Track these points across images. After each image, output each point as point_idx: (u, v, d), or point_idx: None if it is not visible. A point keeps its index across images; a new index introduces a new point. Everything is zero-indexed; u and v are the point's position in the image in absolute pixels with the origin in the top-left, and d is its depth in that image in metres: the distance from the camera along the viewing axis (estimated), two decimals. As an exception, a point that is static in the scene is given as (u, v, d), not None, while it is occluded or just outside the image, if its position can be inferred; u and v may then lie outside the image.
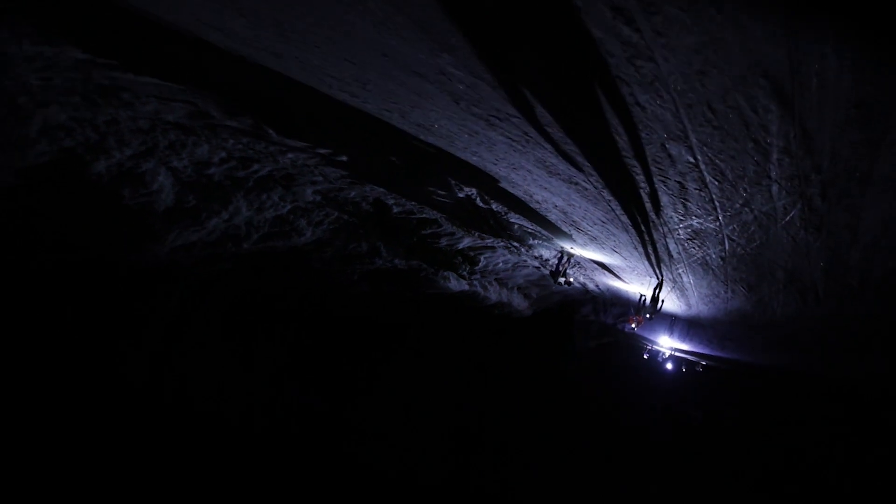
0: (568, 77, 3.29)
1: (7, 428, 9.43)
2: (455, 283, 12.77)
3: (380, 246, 9.86)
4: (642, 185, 5.11)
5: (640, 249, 7.90)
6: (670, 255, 7.49)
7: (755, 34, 2.28)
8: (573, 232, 8.90)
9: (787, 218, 4.50)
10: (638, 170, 4.69)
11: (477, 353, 19.73)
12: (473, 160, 6.39)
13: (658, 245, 7.20)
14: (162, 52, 4.55)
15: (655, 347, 19.02)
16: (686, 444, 19.13)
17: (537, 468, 18.59)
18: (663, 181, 4.79)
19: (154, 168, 6.13)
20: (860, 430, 14.56)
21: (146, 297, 11.45)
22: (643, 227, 6.70)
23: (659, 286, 8.79)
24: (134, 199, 6.26)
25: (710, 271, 7.65)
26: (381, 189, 8.09)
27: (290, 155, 6.68)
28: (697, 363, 18.01)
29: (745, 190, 4.29)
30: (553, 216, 8.38)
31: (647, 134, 3.81)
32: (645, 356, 19.19)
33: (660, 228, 6.40)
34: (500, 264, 12.88)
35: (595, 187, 5.87)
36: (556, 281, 10.73)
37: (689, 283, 8.78)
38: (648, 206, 5.62)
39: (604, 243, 8.72)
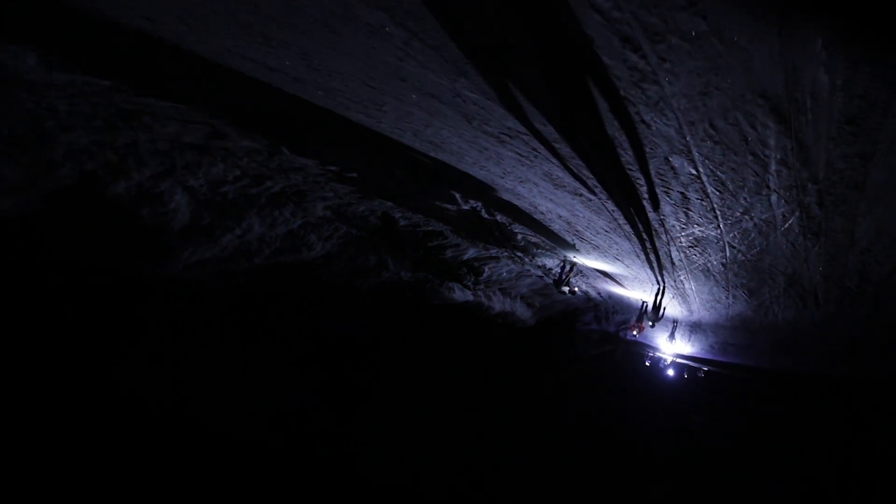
0: (577, 98, 3.50)
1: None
2: (460, 294, 12.94)
3: (387, 259, 10.04)
4: (645, 195, 5.29)
5: (643, 257, 8.08)
6: (672, 263, 7.67)
7: (753, 59, 2.48)
8: (576, 241, 9.09)
9: (786, 225, 4.70)
10: (641, 181, 4.89)
11: (480, 362, 19.75)
12: (480, 174, 6.59)
13: (660, 253, 7.37)
14: (184, 78, 4.75)
15: (657, 354, 19.14)
16: (688, 449, 19.16)
17: (541, 476, 18.55)
18: (666, 192, 4.98)
19: (171, 188, 6.32)
20: (861, 431, 14.61)
21: (146, 297, 11.28)
22: (645, 236, 6.88)
23: (661, 293, 8.95)
24: (152, 219, 6.44)
25: (712, 277, 7.83)
26: (389, 203, 8.29)
27: (301, 172, 6.88)
28: (699, 369, 18.12)
29: (745, 199, 4.48)
30: (557, 226, 8.56)
31: (652, 149, 4.01)
32: (647, 363, 19.31)
33: (662, 237, 6.58)
34: (504, 274, 13.07)
35: (599, 198, 6.07)
36: (559, 289, 10.90)
37: (691, 289, 8.95)
38: (651, 215, 5.81)
39: (606, 252, 8.89)
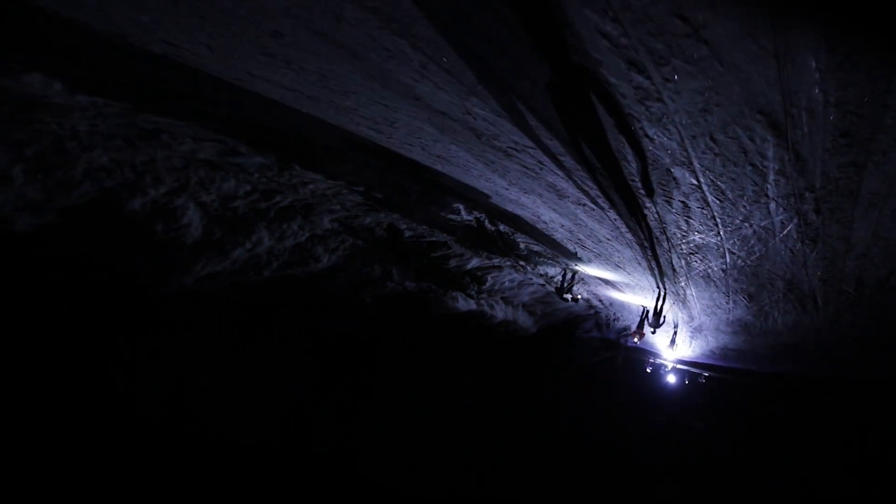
0: (583, 113, 3.68)
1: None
2: (463, 303, 13.07)
3: (392, 269, 10.20)
4: (647, 204, 5.47)
5: (644, 264, 8.23)
6: (673, 269, 7.82)
7: (752, 79, 2.66)
8: (578, 250, 9.25)
9: (785, 231, 4.86)
10: (643, 191, 5.06)
11: (481, 364, 19.77)
12: (486, 186, 6.76)
13: (661, 260, 7.53)
14: (202, 98, 4.92)
15: (658, 361, 19.25)
16: (689, 455, 19.21)
17: (541, 478, 18.52)
18: (668, 201, 5.15)
19: (185, 203, 6.48)
20: (861, 431, 14.71)
21: (142, 293, 10.98)
22: (647, 244, 7.03)
23: (662, 299, 9.08)
24: (165, 234, 6.59)
25: (712, 283, 7.98)
26: (395, 215, 8.46)
27: (310, 186, 7.05)
28: (700, 374, 18.24)
29: (744, 207, 4.64)
30: (559, 235, 8.73)
31: (654, 160, 4.19)
32: (648, 369, 19.42)
33: (663, 244, 6.74)
34: (507, 283, 13.22)
35: (602, 208, 6.23)
36: (561, 297, 11.05)
37: (692, 295, 9.09)
38: (653, 223, 5.98)
39: (608, 259, 9.05)
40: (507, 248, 10.45)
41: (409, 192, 7.54)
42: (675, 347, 14.92)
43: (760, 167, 3.72)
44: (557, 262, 10.75)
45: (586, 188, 5.52)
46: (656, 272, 8.26)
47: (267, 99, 4.58)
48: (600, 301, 14.96)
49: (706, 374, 18.03)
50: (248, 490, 13.51)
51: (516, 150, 4.76)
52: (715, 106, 3.05)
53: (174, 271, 7.27)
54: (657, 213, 5.54)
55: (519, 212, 7.99)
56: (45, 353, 9.81)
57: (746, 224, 5.04)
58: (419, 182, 7.12)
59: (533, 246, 10.12)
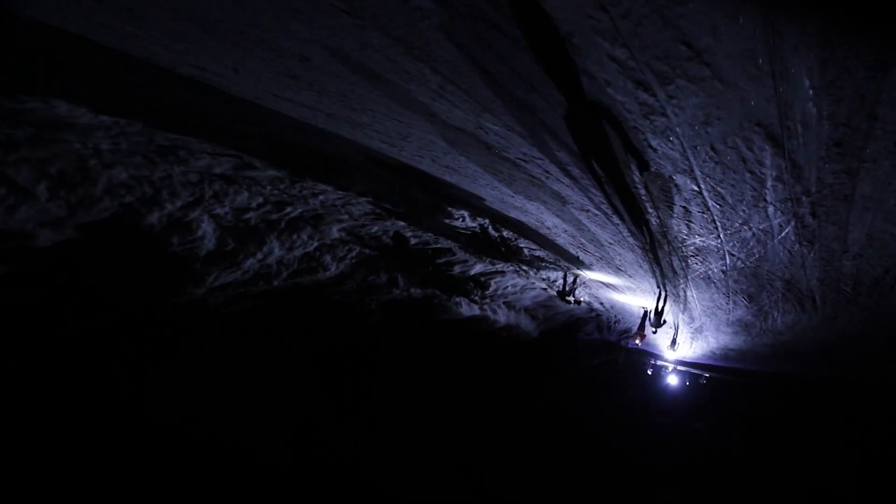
0: (591, 127, 3.88)
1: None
2: (466, 308, 13.25)
3: (398, 276, 10.38)
4: (649, 210, 5.67)
5: (646, 267, 8.42)
6: (674, 271, 8.01)
7: (750, 96, 2.87)
8: (580, 253, 9.44)
9: (783, 234, 5.06)
10: (646, 197, 5.27)
11: (484, 374, 19.87)
12: (491, 194, 6.96)
13: (662, 262, 7.73)
14: (221, 115, 5.11)
15: (659, 362, 19.42)
16: (691, 456, 19.32)
17: (543, 480, 18.59)
18: (669, 206, 5.36)
19: (199, 216, 6.66)
20: (862, 431, 14.86)
21: (149, 302, 10.89)
22: (648, 247, 7.23)
23: (663, 299, 9.26)
24: (181, 246, 6.76)
25: (713, 284, 8.17)
26: (401, 223, 8.65)
27: (320, 197, 7.24)
28: (701, 375, 18.41)
29: (744, 211, 4.84)
30: (562, 240, 8.92)
31: (657, 169, 4.39)
32: (649, 371, 19.59)
33: (664, 247, 6.94)
34: (510, 287, 13.41)
35: (605, 213, 6.43)
36: (564, 300, 11.24)
37: (693, 296, 9.28)
38: (655, 227, 6.18)
39: (610, 262, 9.24)
40: (510, 254, 10.64)
41: (417, 201, 7.74)
42: (677, 348, 15.10)
43: (759, 174, 3.92)
44: (559, 266, 10.94)
45: (591, 195, 5.71)
46: (657, 274, 8.44)
47: (285, 116, 4.77)
48: (601, 304, 15.15)
49: (707, 375, 18.18)
50: (250, 494, 13.54)
51: (524, 160, 4.96)
52: (716, 119, 3.25)
53: (188, 283, 7.44)
54: (659, 217, 5.74)
55: (523, 218, 8.18)
56: (50, 357, 9.84)
57: (746, 227, 5.23)
58: (426, 191, 7.32)
59: (536, 251, 10.32)
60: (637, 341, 10.70)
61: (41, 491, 9.80)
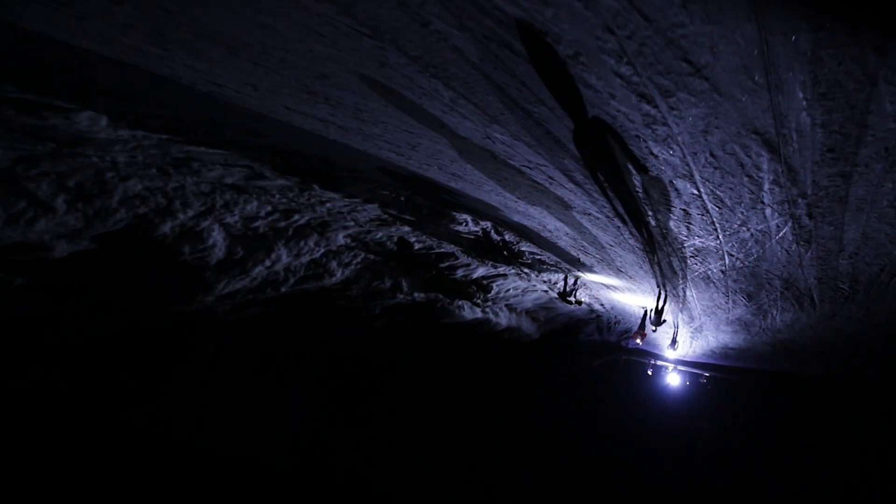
0: (595, 136, 4.06)
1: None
2: (469, 312, 13.41)
3: (402, 281, 10.54)
4: (650, 213, 5.84)
5: (646, 268, 8.57)
6: (674, 272, 8.18)
7: (747, 107, 3.04)
8: (581, 255, 9.60)
9: (781, 234, 5.23)
10: (647, 201, 5.44)
11: (485, 376, 19.95)
12: (495, 199, 7.13)
13: (662, 263, 7.90)
14: (235, 127, 5.27)
15: (659, 362, 19.56)
16: (691, 454, 19.42)
17: (544, 482, 18.67)
18: (669, 209, 5.53)
19: (210, 225, 6.81)
20: (862, 431, 14.99)
21: (155, 309, 10.96)
22: (648, 249, 7.40)
23: (663, 298, 9.40)
24: (192, 255, 6.91)
25: (712, 284, 8.33)
26: (406, 228, 8.81)
27: (327, 205, 7.40)
28: (701, 375, 18.57)
29: (742, 213, 5.01)
30: (563, 243, 9.07)
31: (658, 174, 4.56)
32: (649, 371, 19.73)
33: (664, 248, 7.11)
34: (511, 290, 13.57)
35: (607, 217, 6.60)
36: (565, 301, 11.40)
37: (692, 296, 9.44)
38: (655, 229, 6.35)
39: (610, 264, 9.39)
40: (512, 257, 10.81)
41: (421, 207, 7.91)
42: (677, 347, 15.24)
43: (756, 178, 4.10)
44: (561, 268, 11.11)
45: (593, 199, 5.89)
46: (657, 274, 8.60)
47: (297, 128, 4.93)
48: (602, 305, 15.31)
49: (707, 374, 18.33)
50: (257, 499, 13.60)
51: (529, 167, 5.13)
52: (715, 128, 3.43)
53: (198, 290, 7.58)
54: (659, 219, 5.91)
55: (525, 222, 8.34)
56: (59, 365, 9.92)
57: (744, 228, 5.40)
58: (431, 198, 7.49)
59: (537, 254, 10.48)
60: (638, 340, 10.81)
61: (49, 497, 9.88)
